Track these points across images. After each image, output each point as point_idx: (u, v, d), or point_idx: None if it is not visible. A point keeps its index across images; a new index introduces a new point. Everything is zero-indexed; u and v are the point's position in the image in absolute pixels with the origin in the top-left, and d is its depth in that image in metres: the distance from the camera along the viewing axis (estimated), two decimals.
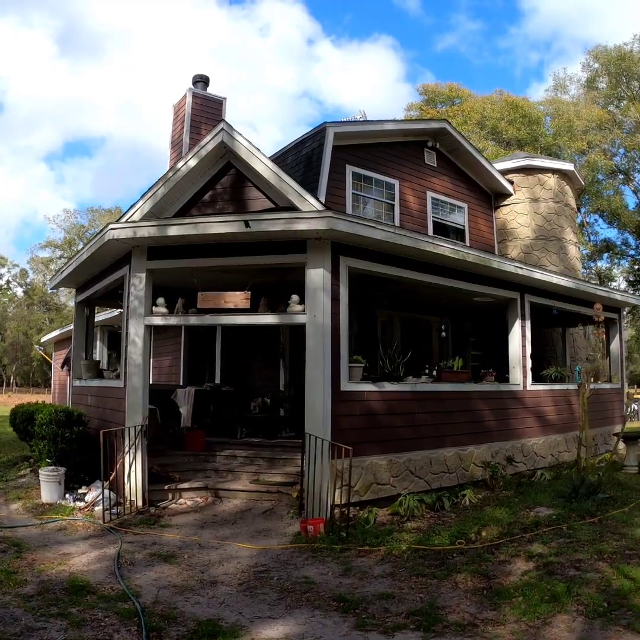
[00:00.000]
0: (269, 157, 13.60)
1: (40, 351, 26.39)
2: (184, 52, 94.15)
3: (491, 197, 15.47)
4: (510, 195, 15.03)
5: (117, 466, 7.56)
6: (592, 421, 11.63)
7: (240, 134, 7.52)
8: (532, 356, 10.32)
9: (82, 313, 10.60)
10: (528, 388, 10.20)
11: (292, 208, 7.19)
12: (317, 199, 7.23)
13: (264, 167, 7.37)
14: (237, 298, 7.45)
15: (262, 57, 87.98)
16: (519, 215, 14.91)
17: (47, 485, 7.78)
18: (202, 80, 15.52)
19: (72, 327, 18.36)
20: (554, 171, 14.87)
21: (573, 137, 26.16)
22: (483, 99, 29.24)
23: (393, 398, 7.88)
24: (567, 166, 15.24)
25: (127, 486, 7.52)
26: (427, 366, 8.78)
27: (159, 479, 8.22)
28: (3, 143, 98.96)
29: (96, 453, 7.25)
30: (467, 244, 14.65)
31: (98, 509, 7.21)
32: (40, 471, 7.91)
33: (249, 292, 7.43)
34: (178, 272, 7.91)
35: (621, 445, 10.52)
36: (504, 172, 15.08)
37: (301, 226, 6.86)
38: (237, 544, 6.21)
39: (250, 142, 7.55)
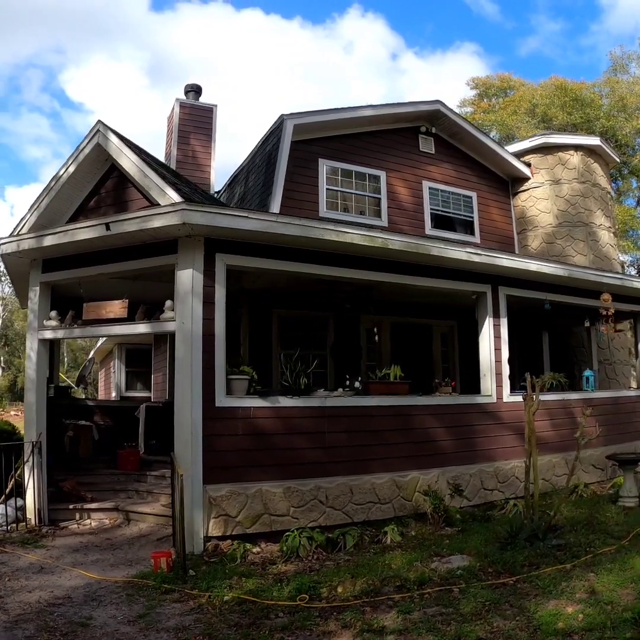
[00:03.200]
0: (244, 160, 13.22)
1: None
2: (271, 74, 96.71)
3: (508, 183, 13.70)
4: (528, 179, 13.21)
5: (11, 483, 7.31)
6: (610, 436, 9.70)
7: (113, 132, 6.96)
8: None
9: None
10: (505, 400, 8.57)
11: (157, 204, 6.51)
12: (179, 191, 6.47)
13: (130, 163, 6.74)
14: (116, 307, 6.91)
15: (348, 73, 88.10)
16: (538, 200, 13.06)
17: None
18: (193, 90, 15.34)
19: (98, 345, 18.84)
20: (576, 148, 12.84)
21: (629, 117, 22.98)
22: (533, 87, 26.70)
23: (293, 415, 6.83)
24: (592, 141, 13.11)
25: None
26: (347, 377, 7.57)
27: (69, 498, 7.87)
28: None
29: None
30: (477, 236, 13.04)
31: None
32: None
33: (127, 301, 6.87)
34: (74, 284, 7.51)
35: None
36: (520, 154, 13.31)
37: (157, 223, 6.13)
38: (81, 572, 5.68)
39: (121, 138, 6.97)
